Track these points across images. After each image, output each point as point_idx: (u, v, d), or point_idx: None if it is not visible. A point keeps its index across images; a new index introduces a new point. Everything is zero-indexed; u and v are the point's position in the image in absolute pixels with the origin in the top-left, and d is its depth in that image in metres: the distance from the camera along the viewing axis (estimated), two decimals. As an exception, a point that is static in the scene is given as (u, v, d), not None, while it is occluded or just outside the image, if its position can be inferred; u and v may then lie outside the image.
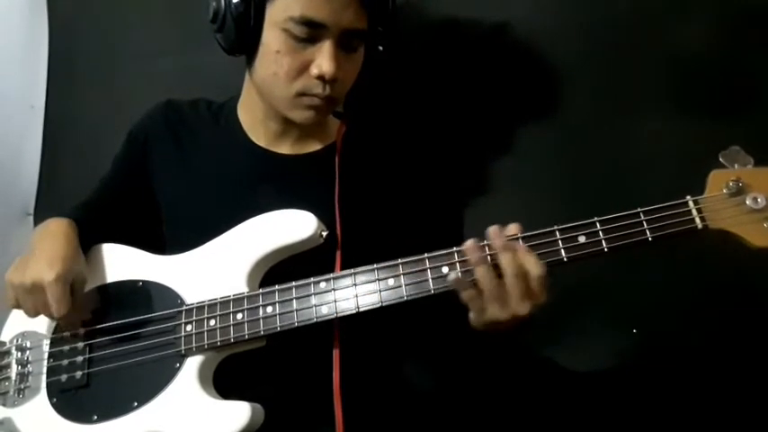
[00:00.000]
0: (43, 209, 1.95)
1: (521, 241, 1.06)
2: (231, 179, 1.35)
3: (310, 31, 1.18)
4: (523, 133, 1.53)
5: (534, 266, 1.03)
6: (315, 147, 1.38)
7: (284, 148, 1.37)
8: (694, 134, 1.42)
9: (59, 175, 1.98)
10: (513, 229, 1.07)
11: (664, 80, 1.47)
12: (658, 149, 1.45)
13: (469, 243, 1.07)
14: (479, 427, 1.46)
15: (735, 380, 1.39)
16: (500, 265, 1.04)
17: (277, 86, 1.24)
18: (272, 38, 1.20)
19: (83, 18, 2.00)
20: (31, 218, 1.97)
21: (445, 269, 1.09)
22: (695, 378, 1.41)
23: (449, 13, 1.58)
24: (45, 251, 1.19)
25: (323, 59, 1.19)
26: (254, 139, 1.38)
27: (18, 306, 1.21)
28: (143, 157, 1.43)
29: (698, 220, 1.01)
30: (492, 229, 1.07)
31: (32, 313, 1.19)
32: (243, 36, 1.22)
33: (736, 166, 1.02)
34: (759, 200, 0.99)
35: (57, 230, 1.25)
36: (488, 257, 1.06)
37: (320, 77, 1.20)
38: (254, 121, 1.38)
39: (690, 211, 1.01)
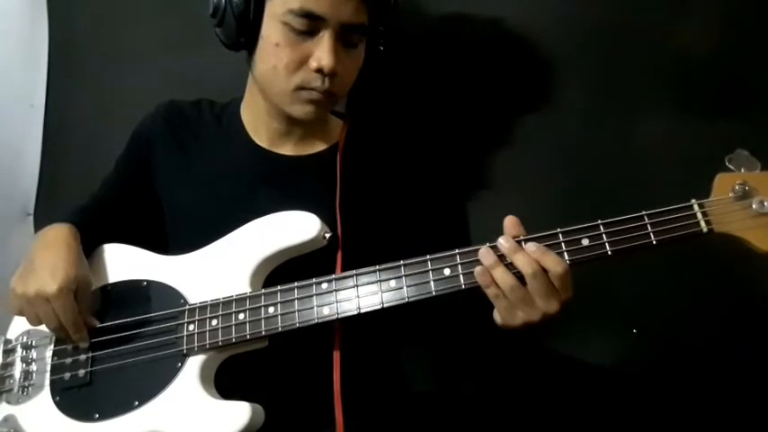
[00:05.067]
0: (43, 209, 1.94)
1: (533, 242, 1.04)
2: (233, 180, 1.35)
3: (310, 24, 1.18)
4: (527, 135, 1.53)
5: (555, 265, 1.02)
6: (317, 148, 1.38)
7: (286, 149, 1.37)
8: (700, 136, 1.41)
9: (59, 175, 1.97)
10: (511, 227, 1.06)
11: (669, 81, 1.47)
12: (664, 152, 1.45)
13: (483, 249, 1.06)
14: (480, 428, 1.46)
15: (735, 381, 1.40)
16: (517, 267, 1.03)
17: (277, 80, 1.24)
18: (271, 31, 1.21)
19: (83, 17, 2.00)
20: (31, 218, 1.96)
21: (447, 271, 1.09)
22: (695, 378, 1.41)
23: (451, 14, 1.58)
24: (47, 261, 1.19)
25: (322, 52, 1.19)
26: (256, 139, 1.38)
27: (22, 314, 1.22)
28: (146, 158, 1.43)
29: (703, 224, 1.00)
30: (503, 236, 1.05)
31: (35, 322, 1.21)
32: (243, 30, 1.22)
33: (742, 169, 1.01)
34: (766, 204, 0.98)
35: (57, 238, 1.25)
36: (502, 260, 1.04)
37: (319, 70, 1.21)
38: (256, 121, 1.38)
39: (695, 214, 1.01)
